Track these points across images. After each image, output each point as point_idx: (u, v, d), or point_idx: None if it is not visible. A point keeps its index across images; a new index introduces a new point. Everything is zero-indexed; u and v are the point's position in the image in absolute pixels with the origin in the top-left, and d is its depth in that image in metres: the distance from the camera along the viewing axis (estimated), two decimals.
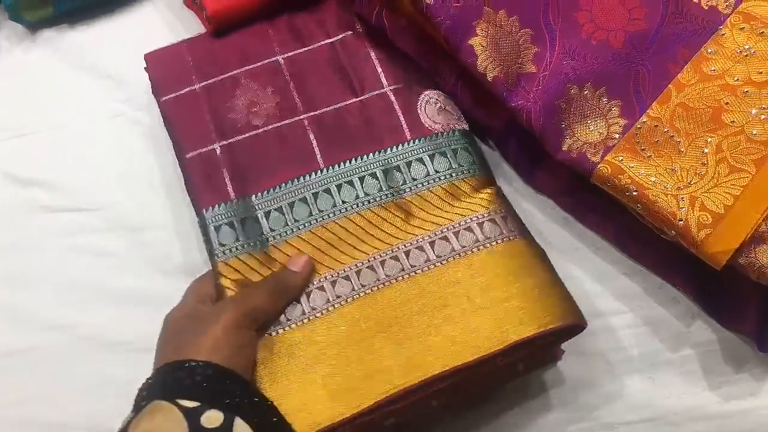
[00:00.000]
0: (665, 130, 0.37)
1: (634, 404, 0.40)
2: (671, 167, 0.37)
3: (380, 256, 0.39)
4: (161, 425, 0.30)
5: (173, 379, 0.32)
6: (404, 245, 0.39)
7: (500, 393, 0.41)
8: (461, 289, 0.37)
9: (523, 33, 0.40)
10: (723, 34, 0.38)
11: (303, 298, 0.38)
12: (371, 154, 0.41)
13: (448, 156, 0.42)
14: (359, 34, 0.45)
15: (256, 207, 0.40)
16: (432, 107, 0.43)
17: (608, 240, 0.43)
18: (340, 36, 0.45)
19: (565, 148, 0.39)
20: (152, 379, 0.34)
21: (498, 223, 0.39)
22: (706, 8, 0.39)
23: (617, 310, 0.42)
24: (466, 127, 0.44)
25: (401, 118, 0.42)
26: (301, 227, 0.40)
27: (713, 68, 0.37)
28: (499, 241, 0.39)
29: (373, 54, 0.45)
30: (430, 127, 0.42)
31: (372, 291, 0.38)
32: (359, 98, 0.43)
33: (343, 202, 0.40)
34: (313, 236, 0.40)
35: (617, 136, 0.38)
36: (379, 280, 0.38)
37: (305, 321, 0.37)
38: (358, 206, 0.40)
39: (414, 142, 0.42)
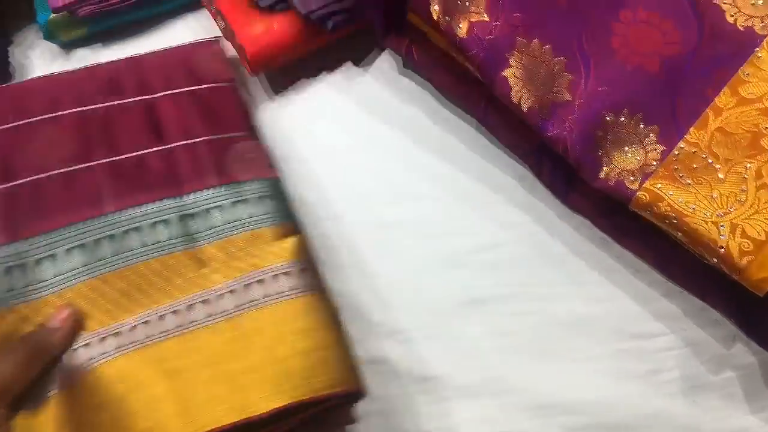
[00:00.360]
0: (703, 156, 0.38)
1: (679, 427, 0.42)
2: (711, 194, 0.38)
3: (162, 309, 0.38)
4: None
5: None
6: (190, 298, 0.38)
7: None
8: (239, 346, 0.36)
9: (557, 61, 0.41)
10: (760, 56, 0.39)
11: (66, 357, 0.36)
12: (167, 199, 0.41)
13: (250, 204, 0.41)
14: (178, 93, 0.45)
15: (27, 253, 0.38)
16: (242, 156, 0.44)
17: (647, 263, 0.45)
18: (159, 94, 0.46)
19: (602, 176, 0.40)
20: None
21: (292, 277, 0.39)
22: (742, 29, 0.39)
23: (658, 332, 0.43)
24: (275, 174, 0.44)
25: (206, 165, 0.42)
26: (77, 277, 0.38)
27: (751, 92, 0.38)
28: (290, 296, 0.38)
29: (188, 110, 0.45)
30: (236, 174, 0.43)
31: (144, 346, 0.37)
32: (166, 146, 0.43)
33: (129, 249, 0.39)
34: (90, 287, 0.38)
35: (655, 162, 0.39)
36: (150, 337, 0.37)
37: (66, 385, 0.36)
38: (145, 255, 0.39)
39: (216, 189, 0.42)
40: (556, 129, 0.40)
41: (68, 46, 0.56)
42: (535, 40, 0.40)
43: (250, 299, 0.38)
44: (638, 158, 0.39)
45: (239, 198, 0.41)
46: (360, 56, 0.54)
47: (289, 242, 0.40)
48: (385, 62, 0.54)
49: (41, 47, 0.56)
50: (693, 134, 0.39)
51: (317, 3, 0.45)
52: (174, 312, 0.38)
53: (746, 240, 0.37)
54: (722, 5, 0.40)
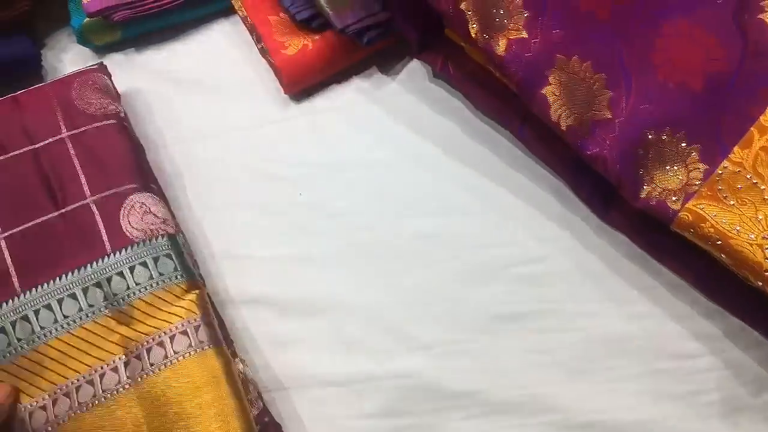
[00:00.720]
0: (748, 176, 0.38)
1: None
2: (756, 215, 0.38)
3: (77, 380, 0.40)
4: None
5: None
6: (101, 367, 0.40)
7: None
8: (140, 413, 0.39)
9: (598, 78, 0.41)
10: None
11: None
12: (71, 273, 0.43)
13: (149, 266, 0.43)
14: (63, 139, 0.46)
15: None
16: (135, 214, 0.45)
17: (687, 281, 0.45)
18: (43, 142, 0.46)
19: (643, 195, 0.40)
20: None
21: (189, 335, 0.41)
22: None
23: (697, 352, 0.44)
24: (170, 230, 0.45)
25: (102, 230, 0.44)
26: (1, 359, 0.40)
27: None
28: (185, 356, 0.40)
29: (76, 161, 0.46)
30: (131, 235, 0.44)
31: (63, 422, 0.39)
32: (61, 210, 0.44)
33: (42, 327, 0.41)
34: (15, 367, 0.40)
35: (698, 182, 0.39)
36: (70, 409, 0.39)
37: None
38: (57, 330, 0.41)
39: (114, 255, 0.43)
40: (596, 147, 0.41)
41: (101, 50, 0.58)
42: (575, 57, 0.41)
43: (152, 362, 0.40)
44: (680, 177, 0.40)
45: (138, 261, 0.43)
46: (392, 64, 0.55)
47: (188, 299, 0.42)
48: (418, 71, 0.55)
49: (74, 50, 0.58)
50: (737, 153, 0.39)
51: (353, 17, 0.46)
52: (112, 369, 0.40)
53: None
54: (767, 20, 0.40)
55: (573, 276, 0.47)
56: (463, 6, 0.41)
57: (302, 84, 0.50)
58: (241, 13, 0.54)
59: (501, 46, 0.41)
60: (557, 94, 0.41)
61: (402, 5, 0.46)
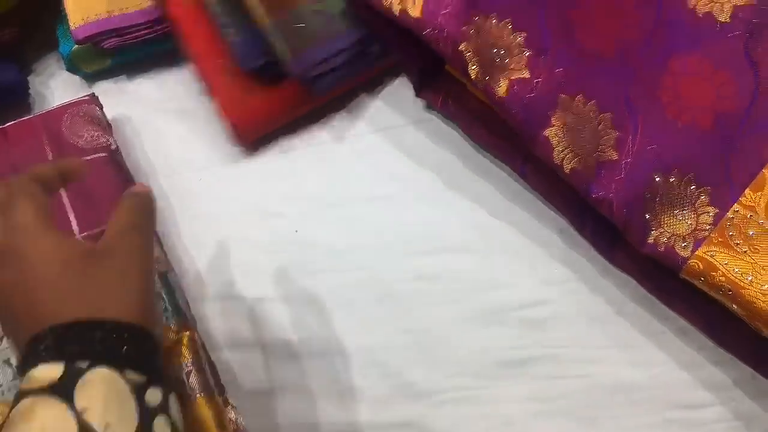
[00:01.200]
0: (761, 221, 0.38)
1: None
2: None
3: None
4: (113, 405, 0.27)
5: (98, 340, 0.28)
6: None
7: None
8: None
9: (603, 117, 0.41)
10: None
11: None
12: None
13: None
14: None
15: None
16: None
17: (696, 327, 0.45)
18: None
19: (651, 240, 0.40)
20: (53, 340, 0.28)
21: (188, 379, 0.40)
22: None
23: (706, 402, 0.44)
24: (161, 268, 0.45)
25: None
26: None
27: None
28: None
29: (65, 196, 0.46)
30: None
31: None
32: None
33: None
34: None
35: (708, 227, 0.39)
36: None
37: None
38: None
39: None
40: (601, 191, 0.41)
41: (91, 78, 0.58)
42: (579, 96, 0.41)
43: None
44: (689, 222, 0.39)
45: None
46: (392, 95, 0.55)
47: (181, 341, 0.42)
48: (419, 102, 0.54)
49: (62, 77, 0.58)
50: (748, 196, 0.39)
51: (312, 59, 0.45)
52: None
53: None
54: None
55: (578, 320, 0.46)
56: (462, 47, 0.41)
57: (259, 133, 0.49)
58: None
59: (502, 87, 0.41)
60: (560, 135, 0.41)
61: (401, 45, 0.46)
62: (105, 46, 0.54)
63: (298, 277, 0.49)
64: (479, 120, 0.46)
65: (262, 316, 0.48)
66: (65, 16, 0.55)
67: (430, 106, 0.53)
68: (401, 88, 0.55)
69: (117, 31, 0.54)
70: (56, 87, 0.58)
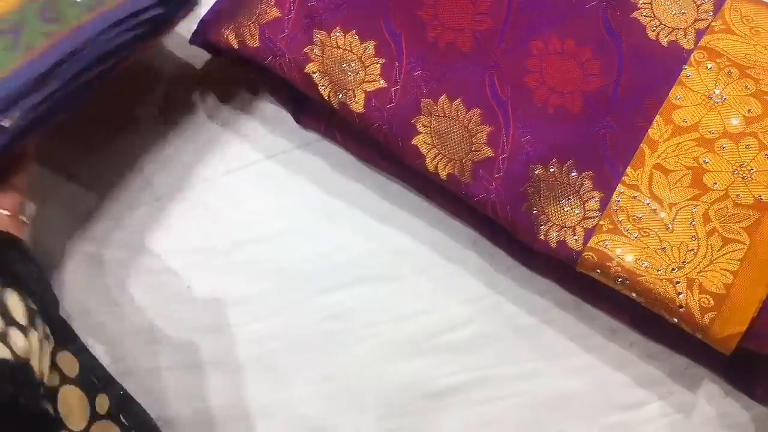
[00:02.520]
0: (646, 201, 0.39)
1: None
2: (660, 246, 0.39)
3: None
4: None
5: None
6: None
7: None
8: None
9: (471, 114, 0.43)
10: (689, 75, 0.40)
11: None
12: None
13: None
14: None
15: None
16: None
17: (624, 323, 0.46)
18: None
19: (541, 236, 0.41)
20: None
21: None
22: (666, 44, 0.41)
23: (644, 400, 0.45)
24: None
25: None
26: None
27: (685, 119, 0.40)
28: None
29: None
30: None
31: None
32: None
33: None
34: None
35: (596, 213, 0.40)
36: None
37: None
38: None
39: None
40: (482, 192, 0.42)
41: None
42: (443, 96, 0.43)
43: None
44: (576, 211, 0.41)
45: None
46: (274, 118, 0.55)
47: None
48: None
49: None
50: (631, 175, 0.40)
51: None
52: None
53: (705, 295, 0.38)
54: (641, 19, 0.41)
55: (503, 335, 0.48)
56: (308, 69, 0.44)
57: None
58: None
59: (359, 102, 0.43)
60: (429, 142, 0.43)
61: (261, 75, 0.48)
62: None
63: (197, 338, 0.50)
64: (365, 142, 0.48)
65: (162, 389, 0.49)
66: None
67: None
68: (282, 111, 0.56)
69: None
70: None
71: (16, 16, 0.41)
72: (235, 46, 0.44)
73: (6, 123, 0.40)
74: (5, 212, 0.42)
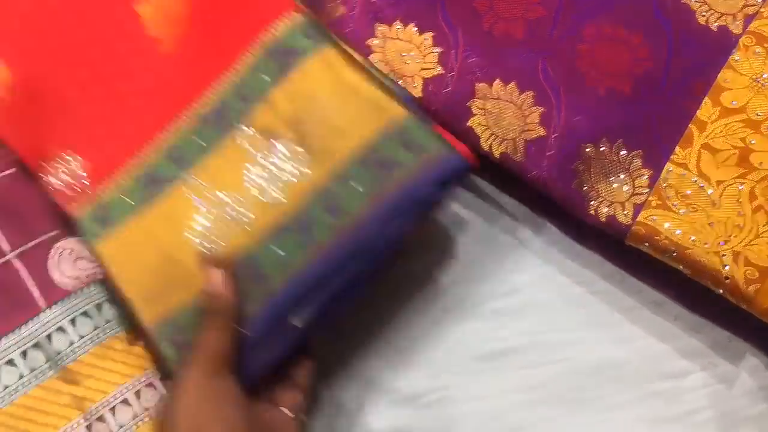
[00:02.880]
0: (694, 179, 0.41)
1: None
2: (708, 222, 0.41)
3: None
4: None
5: None
6: None
7: None
8: None
9: (525, 96, 0.45)
10: (737, 60, 0.42)
11: None
12: (4, 337, 0.44)
13: (91, 315, 0.45)
14: None
15: None
16: (66, 261, 0.46)
17: (669, 297, 0.48)
18: None
19: (592, 211, 0.44)
20: None
21: (157, 388, 0.44)
22: (715, 29, 0.42)
23: (687, 370, 0.47)
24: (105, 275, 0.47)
25: (31, 285, 0.45)
26: None
27: (733, 101, 0.41)
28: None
29: None
30: (65, 286, 0.45)
31: None
32: None
33: None
34: None
35: (645, 190, 0.42)
36: None
37: None
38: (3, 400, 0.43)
39: (50, 310, 0.45)
40: (534, 168, 0.45)
41: None
42: (497, 81, 0.45)
43: (121, 424, 0.43)
44: (626, 188, 0.43)
45: (77, 311, 0.45)
46: None
47: (141, 345, 0.45)
48: None
49: None
50: (679, 154, 0.42)
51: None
52: None
53: (750, 267, 0.40)
54: (691, 4, 0.43)
55: (552, 304, 0.50)
56: (371, 58, 0.47)
57: None
58: None
59: (417, 88, 0.46)
60: (483, 123, 0.45)
61: None
62: None
63: None
64: None
65: None
66: None
67: None
68: None
69: None
70: None
71: (303, 213, 0.41)
72: None
73: (298, 323, 0.41)
74: (287, 411, 0.43)
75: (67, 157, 0.46)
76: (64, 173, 0.46)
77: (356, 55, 0.45)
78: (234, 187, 0.43)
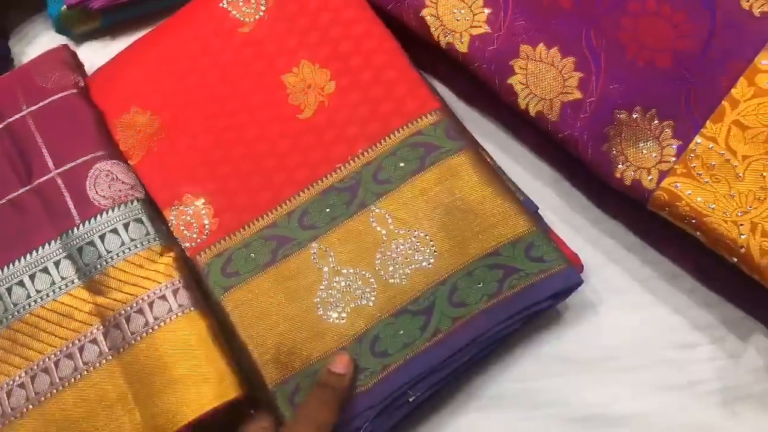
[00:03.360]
0: (721, 152, 0.43)
1: None
2: (730, 192, 0.42)
3: (54, 356, 0.45)
4: None
5: None
6: (78, 340, 0.45)
7: None
8: (125, 384, 0.44)
9: (566, 61, 0.47)
10: None
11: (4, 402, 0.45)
12: (41, 247, 0.48)
13: (120, 232, 0.48)
14: (24, 117, 0.52)
15: None
16: (102, 182, 0.50)
17: (686, 269, 0.49)
18: (5, 122, 0.52)
19: (618, 175, 0.45)
20: None
21: (168, 299, 0.46)
22: (758, 15, 0.44)
23: (698, 342, 0.48)
24: (140, 195, 0.50)
25: (69, 202, 0.49)
26: None
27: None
28: (167, 321, 0.45)
29: (38, 136, 0.51)
30: (99, 204, 0.49)
31: (45, 398, 0.45)
32: (27, 187, 0.50)
33: (15, 305, 0.47)
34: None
35: (672, 159, 0.44)
36: (51, 385, 0.45)
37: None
38: (30, 306, 0.47)
39: (84, 225, 0.48)
40: (567, 129, 0.47)
41: (79, 39, 0.63)
42: (541, 45, 0.47)
43: (132, 331, 0.46)
44: (654, 155, 0.44)
45: (108, 228, 0.48)
46: None
47: (164, 262, 0.48)
48: None
49: (49, 38, 0.62)
50: (709, 128, 0.43)
51: None
52: (65, 357, 0.46)
53: (767, 239, 0.40)
54: None
55: None
56: (423, 13, 0.49)
57: None
58: None
59: (464, 43, 0.48)
60: (524, 82, 0.47)
61: None
62: (94, 6, 0.59)
63: None
64: (465, 81, 0.52)
65: None
66: None
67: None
68: None
69: None
70: (44, 48, 0.58)
71: (425, 299, 0.45)
72: None
73: (411, 398, 0.45)
74: None
75: (198, 204, 0.50)
76: (194, 218, 0.50)
77: (488, 158, 0.50)
78: (362, 264, 0.47)
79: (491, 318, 0.44)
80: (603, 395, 0.48)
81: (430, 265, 0.46)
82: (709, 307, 0.49)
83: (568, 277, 0.44)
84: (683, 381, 0.47)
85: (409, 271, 0.46)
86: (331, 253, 0.47)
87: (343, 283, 0.46)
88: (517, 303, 0.44)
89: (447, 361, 0.45)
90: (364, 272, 0.46)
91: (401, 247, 0.47)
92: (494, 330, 0.45)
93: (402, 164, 0.48)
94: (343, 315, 0.46)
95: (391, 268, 0.46)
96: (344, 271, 0.47)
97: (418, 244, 0.46)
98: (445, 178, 0.47)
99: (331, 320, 0.46)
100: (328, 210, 0.48)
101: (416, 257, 0.46)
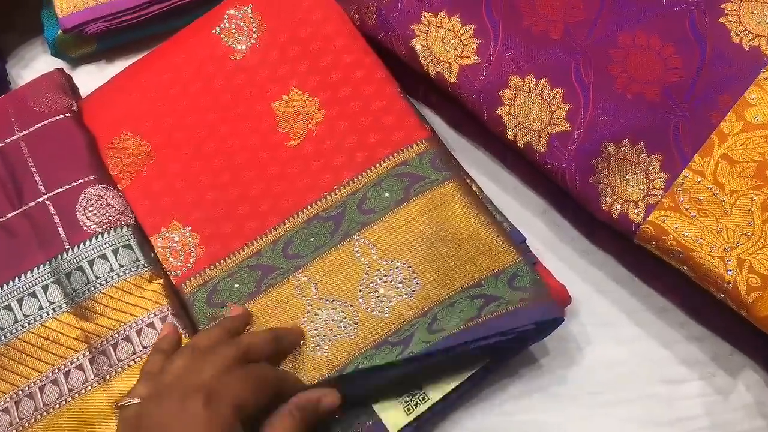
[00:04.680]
0: (709, 186, 0.42)
1: None
2: (717, 227, 0.41)
3: (39, 381, 0.45)
4: None
5: None
6: (64, 365, 0.45)
7: None
8: (111, 412, 0.43)
9: (555, 93, 0.46)
10: (766, 78, 0.41)
11: None
12: (30, 272, 0.48)
13: (109, 258, 0.48)
14: (17, 140, 0.52)
15: None
16: (92, 207, 0.49)
17: (675, 303, 0.48)
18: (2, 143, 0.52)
19: (605, 207, 0.44)
20: None
21: (156, 327, 0.45)
22: (748, 49, 0.43)
23: (686, 377, 0.46)
24: (129, 220, 0.50)
25: (59, 226, 0.49)
26: None
27: (756, 117, 0.42)
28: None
29: (30, 160, 0.51)
30: (89, 229, 0.49)
31: (29, 424, 0.44)
32: (17, 211, 0.50)
33: (1, 329, 0.46)
34: None
35: (659, 192, 0.43)
36: (36, 410, 0.44)
37: None
38: (17, 330, 0.46)
39: (72, 251, 0.48)
40: (554, 161, 0.46)
41: (75, 62, 0.63)
42: (530, 76, 0.46)
43: (120, 358, 0.45)
44: (641, 188, 0.44)
45: (97, 254, 0.48)
46: None
47: (152, 289, 0.47)
48: None
49: (46, 61, 0.63)
50: (698, 161, 0.42)
51: None
52: (50, 383, 0.45)
53: (754, 275, 0.40)
54: (727, 23, 0.43)
55: None
56: (413, 43, 0.49)
57: None
58: None
59: (453, 73, 0.48)
60: (512, 113, 0.47)
61: None
62: (89, 32, 0.59)
63: None
64: (455, 111, 0.51)
65: None
66: (51, 0, 0.59)
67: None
68: None
69: (102, 18, 0.59)
70: (40, 71, 0.59)
71: (406, 329, 0.44)
72: (357, 24, 0.51)
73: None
74: None
75: (185, 231, 0.49)
76: (180, 245, 0.49)
77: (476, 188, 0.49)
78: (345, 296, 0.45)
79: (463, 335, 0.43)
80: (589, 430, 0.46)
81: (412, 297, 0.44)
82: (699, 342, 0.47)
83: (549, 309, 0.43)
84: (672, 417, 0.46)
85: (391, 304, 0.45)
86: (314, 284, 0.46)
87: (324, 316, 0.45)
88: (492, 326, 0.43)
89: (412, 371, 0.43)
90: (346, 303, 0.45)
91: (384, 278, 0.45)
92: (463, 346, 0.43)
93: (387, 194, 0.47)
94: (325, 348, 0.44)
95: (373, 301, 0.45)
96: (327, 302, 0.45)
97: (402, 275, 0.45)
98: (430, 209, 0.46)
99: (312, 353, 0.44)
100: (312, 239, 0.47)
101: (399, 289, 0.45)
